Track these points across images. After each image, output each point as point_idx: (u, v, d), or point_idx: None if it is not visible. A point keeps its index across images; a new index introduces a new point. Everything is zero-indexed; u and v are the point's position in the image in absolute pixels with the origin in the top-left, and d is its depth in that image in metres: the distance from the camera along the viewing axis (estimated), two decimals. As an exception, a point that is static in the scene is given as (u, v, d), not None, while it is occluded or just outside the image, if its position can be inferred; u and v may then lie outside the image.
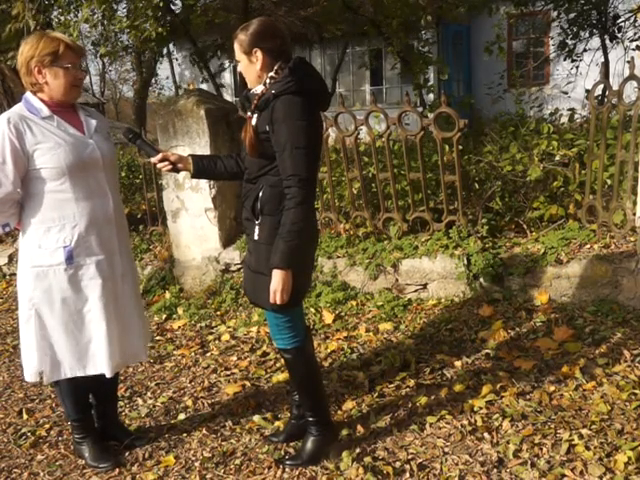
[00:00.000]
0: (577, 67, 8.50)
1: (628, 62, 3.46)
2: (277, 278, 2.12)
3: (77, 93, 2.36)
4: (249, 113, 2.22)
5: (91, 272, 2.34)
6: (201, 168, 2.41)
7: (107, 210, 2.37)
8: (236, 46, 2.19)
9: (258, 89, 2.18)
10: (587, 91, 3.75)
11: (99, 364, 2.40)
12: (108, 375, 2.41)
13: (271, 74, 2.15)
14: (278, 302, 2.15)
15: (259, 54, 2.15)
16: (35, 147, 2.22)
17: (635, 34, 8.18)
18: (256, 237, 2.23)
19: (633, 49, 7.79)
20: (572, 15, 8.21)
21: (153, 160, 2.38)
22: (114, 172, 2.47)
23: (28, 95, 2.31)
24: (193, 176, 2.44)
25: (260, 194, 2.19)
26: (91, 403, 2.63)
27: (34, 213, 2.30)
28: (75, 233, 2.30)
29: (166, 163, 2.37)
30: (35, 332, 2.36)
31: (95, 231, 2.34)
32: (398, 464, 2.35)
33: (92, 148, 2.33)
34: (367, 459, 2.38)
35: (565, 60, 8.79)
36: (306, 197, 2.10)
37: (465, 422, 2.57)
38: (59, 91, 2.28)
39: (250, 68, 2.19)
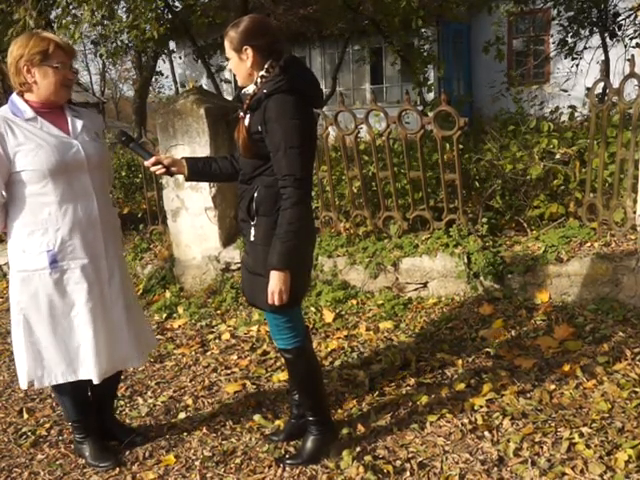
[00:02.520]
0: (577, 65, 8.49)
1: (628, 60, 3.45)
2: (275, 279, 2.12)
3: (66, 93, 2.31)
4: (241, 113, 2.21)
5: (76, 276, 2.30)
6: (195, 171, 2.39)
7: (91, 213, 2.31)
8: (226, 43, 2.17)
9: (250, 89, 2.17)
10: (587, 89, 3.74)
11: (86, 370, 2.38)
12: (95, 381, 2.39)
13: (262, 73, 2.13)
14: (277, 303, 2.14)
15: (249, 52, 2.13)
16: (17, 149, 2.18)
17: (635, 32, 8.17)
18: (252, 238, 2.22)
19: (633, 47, 7.79)
20: (571, 13, 8.20)
21: (146, 163, 2.37)
22: (102, 173, 2.40)
23: (14, 97, 2.28)
24: (187, 179, 2.43)
25: (255, 195, 2.18)
26: (90, 403, 2.62)
27: (17, 217, 2.27)
28: (58, 237, 2.26)
29: (159, 166, 2.35)
30: (25, 337, 2.34)
31: (79, 234, 2.29)
32: (398, 463, 2.35)
33: (76, 149, 2.27)
34: (367, 458, 2.38)
35: (565, 58, 8.78)
36: (302, 197, 2.09)
37: (465, 421, 2.57)
38: (48, 91, 2.24)
39: (240, 66, 2.17)
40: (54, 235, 2.26)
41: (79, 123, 2.34)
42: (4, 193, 2.25)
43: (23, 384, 2.42)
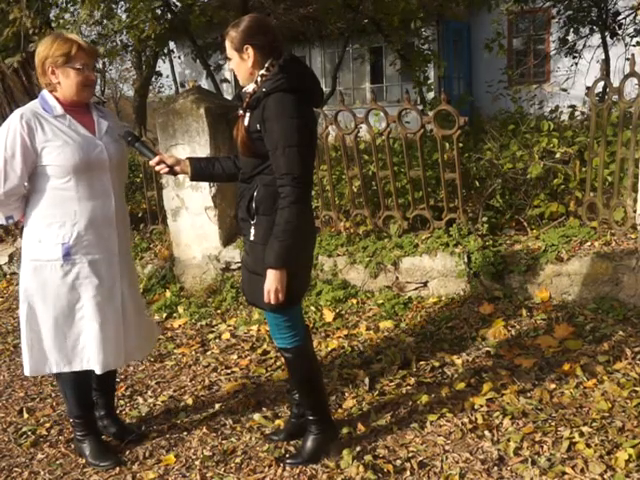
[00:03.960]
0: (576, 64, 8.49)
1: (627, 59, 3.44)
2: (272, 278, 2.12)
3: (89, 94, 2.39)
4: (241, 112, 2.21)
5: (86, 271, 2.37)
6: (199, 170, 2.40)
7: (108, 211, 2.40)
8: (227, 43, 2.18)
9: (250, 87, 2.17)
10: (587, 88, 3.74)
11: (89, 360, 2.42)
12: (98, 371, 2.43)
13: (262, 72, 2.13)
14: (273, 302, 2.14)
15: (250, 51, 2.13)
16: (44, 144, 2.27)
17: (635, 30, 8.16)
18: (252, 237, 2.22)
19: (634, 45, 7.78)
20: (570, 12, 8.20)
21: (151, 163, 2.39)
22: (121, 174, 2.49)
23: (44, 92, 2.36)
24: (191, 179, 2.45)
25: (255, 194, 2.18)
26: (93, 401, 2.64)
27: (37, 208, 2.34)
28: (75, 231, 2.33)
29: (163, 166, 2.37)
30: (28, 325, 2.41)
31: (94, 230, 2.36)
32: (399, 462, 2.35)
33: (100, 149, 2.36)
34: (367, 457, 2.38)
35: (566, 57, 8.78)
36: (300, 196, 2.09)
37: (466, 420, 2.56)
38: (71, 91, 2.32)
39: (241, 65, 2.18)
40: (71, 229, 2.33)
41: (104, 124, 2.42)
42: (26, 184, 2.33)
43: (27, 371, 2.47)
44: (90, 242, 2.36)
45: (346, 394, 2.88)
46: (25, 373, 2.49)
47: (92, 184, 2.34)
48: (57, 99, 2.34)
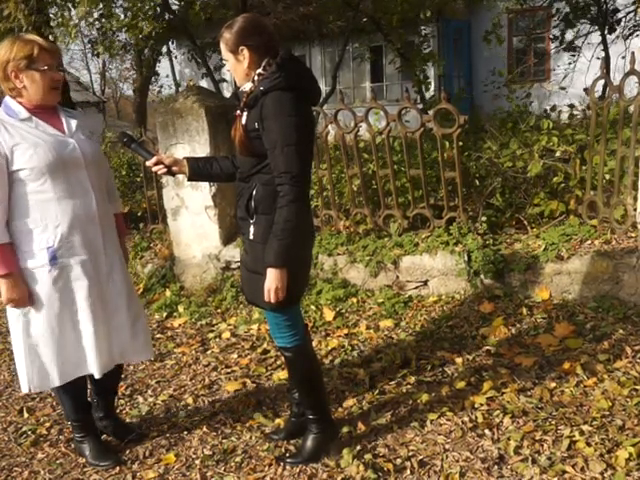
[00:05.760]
0: (575, 62, 8.49)
1: (623, 57, 3.44)
2: (271, 276, 2.11)
3: (56, 95, 2.33)
4: (238, 111, 2.20)
5: (76, 273, 2.32)
6: (197, 170, 2.39)
7: (90, 209, 2.34)
8: (222, 45, 2.16)
9: (247, 86, 2.16)
10: (585, 90, 3.73)
11: (87, 364, 2.38)
12: (97, 376, 2.39)
13: (259, 71, 2.12)
14: (272, 300, 2.14)
15: (246, 52, 2.12)
16: (14, 149, 2.20)
17: (635, 26, 8.17)
18: (251, 236, 2.21)
19: (635, 37, 7.77)
20: (567, 10, 8.20)
21: (148, 164, 2.37)
22: (98, 171, 2.41)
23: (7, 99, 2.29)
24: (189, 179, 2.43)
25: (254, 193, 2.18)
26: (90, 402, 2.63)
27: (17, 215, 2.26)
28: (58, 233, 2.27)
29: (161, 166, 2.35)
30: (23, 339, 2.33)
31: (78, 231, 2.30)
32: (399, 461, 2.35)
33: (72, 147, 2.30)
34: (367, 456, 2.38)
35: (565, 51, 8.78)
36: (299, 194, 2.08)
37: (466, 419, 2.56)
38: (38, 94, 2.26)
39: (238, 67, 2.16)
40: (54, 232, 2.27)
41: (73, 122, 2.37)
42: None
43: (24, 388, 2.41)
44: (75, 243, 2.30)
45: (346, 393, 2.88)
46: (23, 390, 2.42)
47: (69, 183, 2.28)
48: (20, 103, 2.27)
